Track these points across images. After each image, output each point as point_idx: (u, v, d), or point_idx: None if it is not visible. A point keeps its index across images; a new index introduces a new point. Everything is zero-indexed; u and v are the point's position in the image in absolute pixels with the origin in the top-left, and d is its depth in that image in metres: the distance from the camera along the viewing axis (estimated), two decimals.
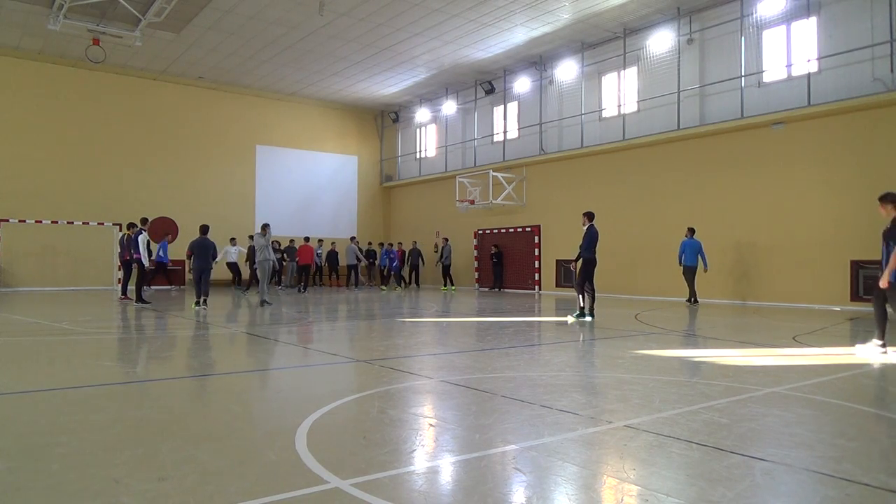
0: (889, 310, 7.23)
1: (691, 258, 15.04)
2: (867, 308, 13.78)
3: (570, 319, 11.29)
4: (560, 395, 4.98)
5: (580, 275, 11.48)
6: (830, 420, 4.33)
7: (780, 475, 3.15)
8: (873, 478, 3.09)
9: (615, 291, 19.03)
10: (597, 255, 11.47)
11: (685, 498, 2.81)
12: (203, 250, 13.70)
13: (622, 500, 2.85)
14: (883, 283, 6.93)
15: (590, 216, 11.69)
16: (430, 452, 3.60)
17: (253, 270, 19.28)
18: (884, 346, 7.14)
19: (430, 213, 26.40)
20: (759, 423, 4.13)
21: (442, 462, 3.41)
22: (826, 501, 2.82)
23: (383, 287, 23.76)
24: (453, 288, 23.27)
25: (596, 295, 11.52)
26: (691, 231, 15.25)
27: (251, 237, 22.33)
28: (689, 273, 15.15)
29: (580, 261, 11.45)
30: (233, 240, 22.02)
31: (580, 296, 11.36)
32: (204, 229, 13.93)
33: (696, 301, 15.27)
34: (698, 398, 4.88)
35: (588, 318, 11.18)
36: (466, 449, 3.61)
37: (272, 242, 19.37)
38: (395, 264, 23.94)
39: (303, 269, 21.71)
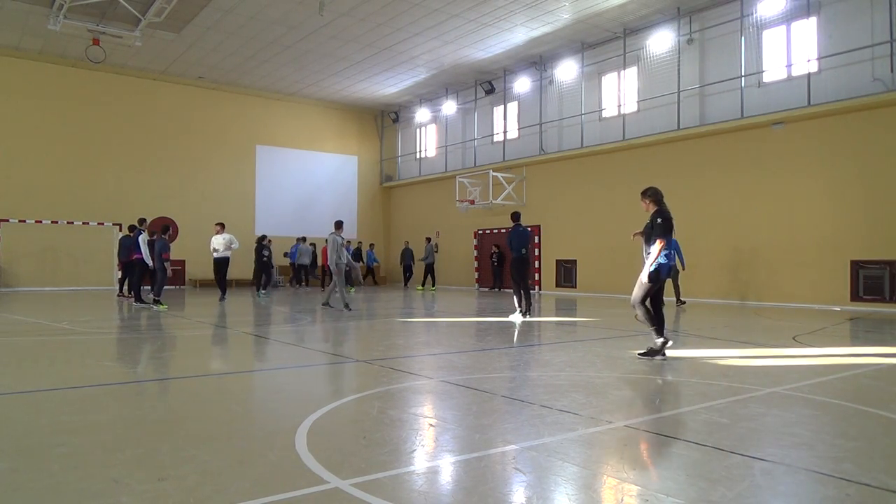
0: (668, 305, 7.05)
1: (672, 258, 15.08)
2: (867, 308, 13.78)
3: (515, 318, 11.43)
4: (560, 395, 4.98)
5: (510, 274, 11.85)
6: (830, 420, 4.33)
7: (780, 475, 3.15)
8: (873, 478, 3.09)
9: (615, 291, 19.02)
10: (528, 254, 11.83)
11: (685, 498, 2.81)
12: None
13: (622, 500, 2.85)
14: (644, 276, 6.78)
15: (514, 216, 11.88)
16: (430, 452, 3.60)
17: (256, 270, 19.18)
18: (664, 346, 6.87)
19: (430, 213, 26.41)
20: (759, 423, 4.13)
21: (442, 462, 3.41)
22: (826, 501, 2.82)
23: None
24: (433, 288, 23.18)
25: (522, 295, 11.69)
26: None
27: (261, 238, 22.47)
28: (674, 273, 14.84)
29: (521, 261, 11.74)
30: (302, 239, 22.28)
31: (515, 295, 11.70)
32: (134, 227, 15.04)
33: (680, 303, 15.22)
34: (698, 398, 4.88)
35: (518, 317, 11.41)
36: (466, 449, 3.61)
37: (268, 243, 19.30)
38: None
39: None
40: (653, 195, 6.95)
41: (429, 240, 24.03)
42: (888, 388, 5.51)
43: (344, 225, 14.06)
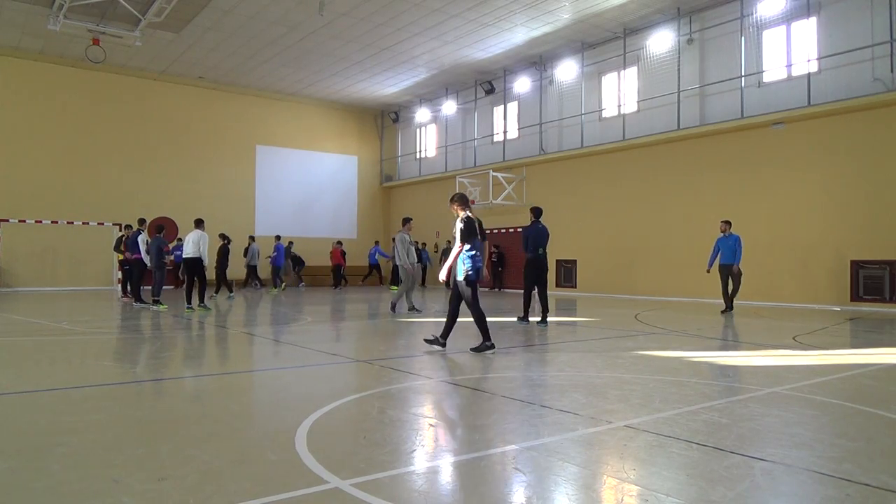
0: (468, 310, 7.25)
1: (729, 256, 12.71)
2: (867, 308, 13.78)
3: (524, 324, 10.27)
4: (560, 395, 4.98)
5: (524, 276, 10.46)
6: (830, 420, 4.33)
7: (780, 475, 3.15)
8: (873, 478, 3.09)
9: (615, 291, 19.04)
10: (546, 255, 10.39)
11: (685, 498, 2.81)
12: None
13: (622, 500, 2.85)
14: (441, 276, 7.12)
15: (534, 212, 10.54)
16: (430, 452, 3.60)
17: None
18: (442, 343, 7.26)
19: (430, 213, 26.40)
20: (759, 423, 4.13)
21: (442, 462, 3.41)
22: (826, 501, 2.82)
23: (273, 288, 21.16)
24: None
25: (539, 297, 10.40)
26: (728, 224, 12.97)
27: (252, 238, 21.98)
28: (727, 273, 12.81)
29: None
30: (252, 238, 21.92)
31: (524, 300, 10.45)
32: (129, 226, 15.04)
33: (729, 309, 12.87)
34: (698, 398, 4.88)
35: (526, 323, 10.22)
36: (466, 449, 3.61)
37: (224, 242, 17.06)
38: (279, 261, 21.53)
39: (334, 270, 22.74)
40: (458, 200, 7.32)
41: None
42: (888, 388, 5.51)
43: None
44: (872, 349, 7.61)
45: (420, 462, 3.40)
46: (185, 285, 13.24)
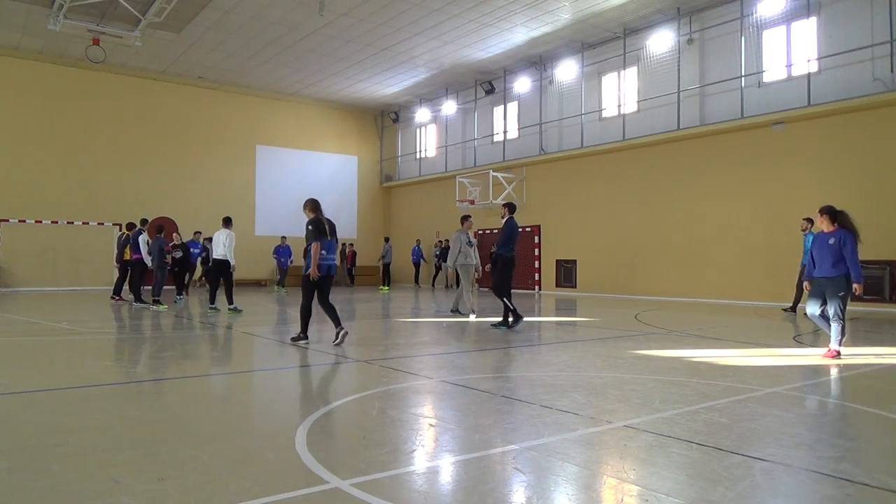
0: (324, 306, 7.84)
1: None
2: (867, 308, 13.78)
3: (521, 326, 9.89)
4: (560, 395, 4.98)
5: (497, 277, 9.88)
6: (830, 420, 4.33)
7: (780, 475, 3.15)
8: (873, 478, 3.09)
9: (615, 291, 19.03)
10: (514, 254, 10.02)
11: (685, 498, 2.81)
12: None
13: (622, 500, 2.85)
14: (313, 273, 7.63)
15: (510, 208, 10.00)
16: (430, 452, 3.60)
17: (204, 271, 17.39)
18: (304, 339, 7.97)
19: (430, 213, 26.41)
20: (759, 423, 4.13)
21: (442, 462, 3.41)
22: (826, 501, 2.82)
23: (276, 287, 21.96)
24: (386, 287, 23.40)
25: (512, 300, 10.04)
26: (811, 222, 12.04)
27: (196, 233, 18.59)
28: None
29: (498, 261, 9.81)
30: (197, 233, 19.74)
31: (505, 301, 9.87)
32: (133, 225, 14.59)
33: (793, 309, 12.88)
34: (698, 398, 4.88)
35: (517, 325, 9.85)
36: (466, 449, 3.61)
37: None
38: (289, 260, 22.33)
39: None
40: (309, 204, 7.88)
41: (387, 240, 24.55)
42: (888, 388, 5.51)
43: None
44: (872, 349, 7.60)
45: (420, 462, 3.40)
46: (210, 286, 13.07)
